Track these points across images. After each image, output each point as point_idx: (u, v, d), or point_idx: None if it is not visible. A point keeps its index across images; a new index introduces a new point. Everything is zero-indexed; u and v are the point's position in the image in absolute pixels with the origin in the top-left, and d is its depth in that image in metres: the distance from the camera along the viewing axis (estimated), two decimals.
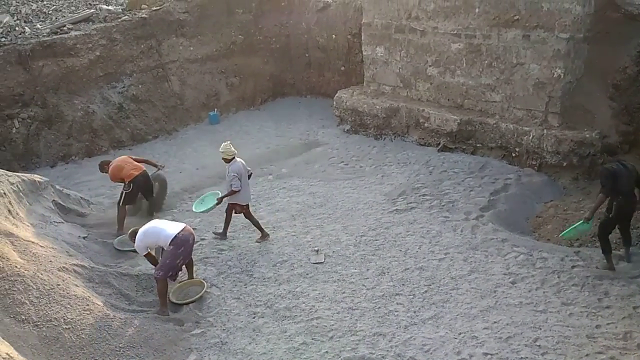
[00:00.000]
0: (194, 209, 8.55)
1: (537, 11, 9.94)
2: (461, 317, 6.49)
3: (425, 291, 7.03)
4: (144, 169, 9.19)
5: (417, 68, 12.11)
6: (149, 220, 8.29)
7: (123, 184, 8.94)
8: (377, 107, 12.52)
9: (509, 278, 7.20)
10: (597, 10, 9.94)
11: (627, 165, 7.08)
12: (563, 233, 7.59)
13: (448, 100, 11.72)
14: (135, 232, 7.09)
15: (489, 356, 5.83)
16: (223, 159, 8.32)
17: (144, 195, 9.24)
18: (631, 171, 7.03)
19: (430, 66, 11.85)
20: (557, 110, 10.11)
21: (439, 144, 11.52)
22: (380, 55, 12.76)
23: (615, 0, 10.26)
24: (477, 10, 10.76)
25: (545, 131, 10.04)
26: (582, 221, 7.28)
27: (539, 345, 5.92)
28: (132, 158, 9.35)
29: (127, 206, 8.96)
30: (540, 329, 6.19)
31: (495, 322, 6.35)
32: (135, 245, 7.03)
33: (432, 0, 11.39)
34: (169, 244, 6.82)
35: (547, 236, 8.45)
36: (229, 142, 8.42)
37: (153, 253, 7.21)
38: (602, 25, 10.01)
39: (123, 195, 8.86)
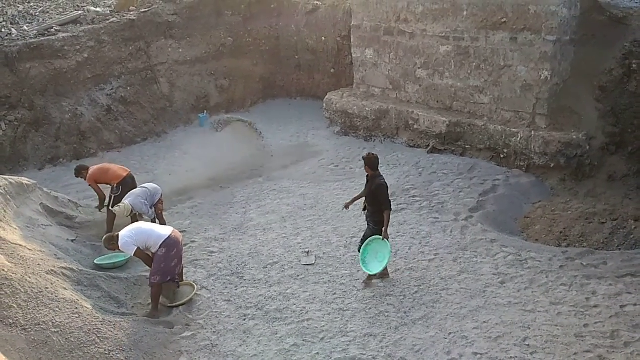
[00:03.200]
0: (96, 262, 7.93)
1: (524, 14, 10.05)
2: (451, 317, 6.53)
3: (416, 292, 7.06)
4: (129, 170, 9.16)
5: (406, 70, 12.18)
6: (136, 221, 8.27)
7: (110, 186, 8.88)
8: (367, 109, 12.57)
9: (498, 278, 7.25)
10: (583, 13, 10.08)
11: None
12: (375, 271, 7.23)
13: (437, 102, 11.80)
14: (111, 238, 6.80)
15: (478, 356, 5.87)
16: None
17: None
18: None
19: (419, 68, 11.92)
20: (545, 112, 10.22)
21: (429, 145, 11.59)
22: (370, 57, 12.82)
23: (601, 3, 10.42)
24: (465, 12, 10.85)
25: (532, 132, 10.14)
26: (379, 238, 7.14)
27: (528, 345, 5.97)
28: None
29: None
30: (529, 328, 6.24)
31: (484, 322, 6.39)
32: (121, 244, 6.69)
33: (420, 3, 11.47)
34: (160, 246, 6.75)
35: (535, 236, 8.53)
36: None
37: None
38: (588, 27, 10.15)
39: (112, 199, 8.81)
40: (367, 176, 7.24)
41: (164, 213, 8.91)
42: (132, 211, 8.20)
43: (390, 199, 7.11)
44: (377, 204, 7.06)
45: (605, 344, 5.91)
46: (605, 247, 8.01)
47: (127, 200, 8.22)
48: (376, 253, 7.20)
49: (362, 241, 7.35)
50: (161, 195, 8.71)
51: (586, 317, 6.38)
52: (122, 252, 7.02)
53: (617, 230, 8.26)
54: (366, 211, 7.36)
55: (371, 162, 7.10)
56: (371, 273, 7.20)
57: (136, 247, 6.72)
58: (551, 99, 10.19)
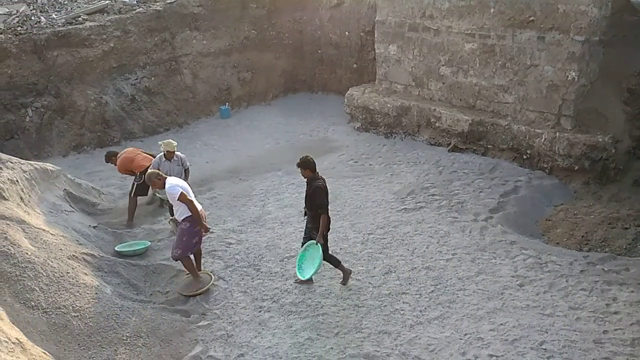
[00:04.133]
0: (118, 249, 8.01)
1: (552, 13, 9.86)
2: (467, 318, 6.47)
3: (432, 291, 7.02)
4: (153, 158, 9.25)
5: (429, 67, 12.06)
6: (160, 210, 8.41)
7: (133, 175, 9.01)
8: (389, 105, 12.49)
9: (517, 280, 7.17)
10: (613, 13, 9.83)
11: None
12: (308, 276, 7.15)
13: (460, 100, 11.67)
14: (158, 174, 6.95)
15: (494, 358, 5.81)
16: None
17: None
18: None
19: (443, 65, 11.80)
20: (570, 114, 10.04)
21: (450, 144, 11.48)
22: (393, 53, 12.72)
23: (633, 3, 10.14)
24: (492, 10, 10.69)
25: (557, 134, 9.97)
26: (314, 243, 7.03)
27: (545, 349, 5.90)
28: (140, 150, 9.43)
29: (137, 197, 9.02)
30: (547, 332, 6.16)
31: (501, 324, 6.33)
32: (168, 186, 6.80)
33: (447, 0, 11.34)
34: (185, 219, 6.86)
35: (556, 240, 8.40)
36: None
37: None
38: (618, 28, 9.90)
39: (134, 187, 8.93)
40: (307, 180, 6.98)
41: None
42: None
43: (327, 202, 6.82)
44: (315, 208, 6.88)
45: (625, 351, 5.81)
46: (627, 253, 7.84)
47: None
48: (313, 258, 7.12)
49: (302, 245, 7.27)
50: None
51: (606, 323, 6.28)
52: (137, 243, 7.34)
53: None
54: (306, 215, 7.22)
55: (308, 164, 6.82)
56: (302, 278, 7.14)
57: (181, 191, 6.80)
58: (577, 100, 10.00)
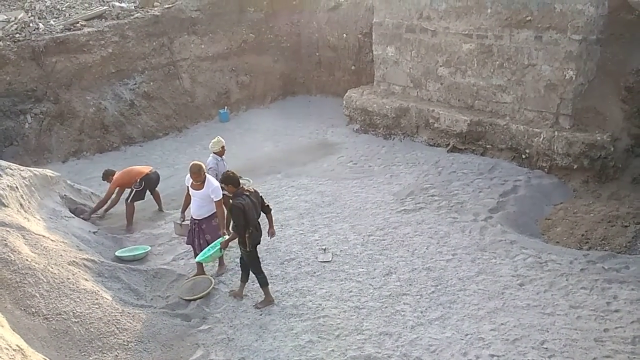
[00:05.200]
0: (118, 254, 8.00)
1: (549, 12, 9.87)
2: (468, 318, 6.47)
3: (433, 292, 7.02)
4: (153, 169, 9.30)
5: (427, 68, 12.08)
6: (160, 215, 8.47)
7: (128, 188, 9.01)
8: (387, 106, 12.50)
9: (517, 280, 7.17)
10: (610, 12, 9.85)
11: (252, 198, 6.68)
12: (198, 258, 7.16)
13: (458, 100, 11.68)
14: (201, 168, 7.10)
15: (495, 358, 5.81)
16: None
17: (150, 190, 9.29)
18: (255, 202, 6.70)
19: (441, 66, 11.81)
20: (569, 112, 10.04)
21: (449, 144, 11.49)
22: (391, 54, 12.74)
23: (630, 2, 10.15)
24: (489, 10, 10.71)
25: (556, 133, 9.98)
26: (217, 247, 6.97)
27: (546, 348, 5.90)
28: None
29: (135, 202, 9.03)
30: (548, 331, 6.16)
31: (502, 324, 6.33)
32: (214, 188, 7.07)
33: (443, 0, 11.35)
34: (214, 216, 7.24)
35: (556, 239, 8.39)
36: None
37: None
38: (615, 27, 9.92)
39: (133, 192, 8.94)
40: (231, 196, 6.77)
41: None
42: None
43: (243, 223, 6.51)
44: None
45: (626, 349, 5.81)
46: (627, 251, 7.84)
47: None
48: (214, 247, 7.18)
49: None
50: None
51: (606, 321, 6.27)
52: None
53: None
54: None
55: (229, 180, 6.60)
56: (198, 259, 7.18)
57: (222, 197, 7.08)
58: (576, 99, 10.01)
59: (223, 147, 8.43)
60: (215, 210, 7.19)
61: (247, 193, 6.64)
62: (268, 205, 6.98)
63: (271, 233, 7.09)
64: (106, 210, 9.22)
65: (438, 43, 11.70)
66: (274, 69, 15.86)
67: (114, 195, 9.12)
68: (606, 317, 6.33)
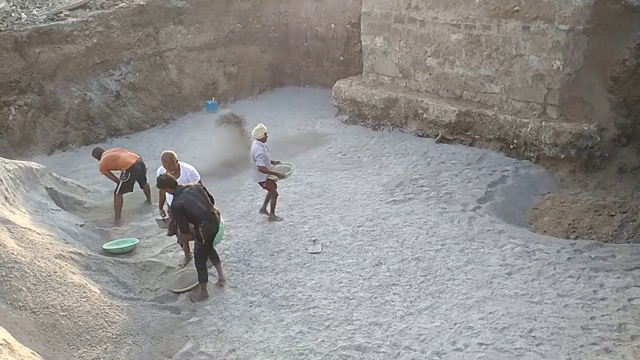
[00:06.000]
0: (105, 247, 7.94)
1: (537, 2, 9.89)
2: (457, 308, 6.52)
3: (422, 282, 7.06)
4: (140, 157, 9.19)
5: (416, 58, 12.07)
6: (148, 207, 8.37)
7: (120, 172, 8.92)
8: (376, 97, 12.49)
9: (505, 269, 7.23)
10: (597, 2, 9.89)
11: (193, 193, 6.60)
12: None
13: (447, 91, 11.69)
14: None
15: (484, 346, 5.87)
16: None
17: (139, 182, 9.22)
18: (198, 194, 6.66)
19: (429, 57, 11.80)
20: (556, 102, 10.10)
21: (437, 135, 11.52)
22: (379, 45, 12.71)
23: None
24: (477, 0, 10.70)
25: (543, 123, 10.04)
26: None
27: (534, 336, 5.97)
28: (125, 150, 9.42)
29: (123, 194, 8.94)
30: (536, 319, 6.23)
31: (490, 313, 6.39)
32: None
33: None
34: None
35: (543, 228, 8.48)
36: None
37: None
38: (602, 17, 9.97)
39: (120, 184, 8.85)
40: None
41: None
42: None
43: (186, 221, 6.49)
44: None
45: (612, 336, 5.89)
46: (614, 240, 7.94)
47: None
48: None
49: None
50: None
51: (593, 309, 6.36)
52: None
53: (627, 223, 8.18)
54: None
55: (164, 183, 6.60)
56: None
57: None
58: (563, 89, 10.07)
59: (266, 133, 8.54)
60: None
61: (187, 189, 6.59)
62: (212, 197, 6.97)
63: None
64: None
65: (426, 33, 11.68)
66: (262, 60, 15.74)
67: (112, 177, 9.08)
68: (593, 305, 6.42)
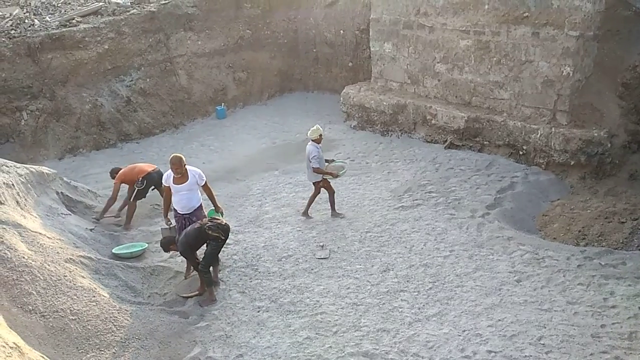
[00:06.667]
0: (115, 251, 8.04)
1: (547, 8, 9.87)
2: (465, 315, 6.48)
3: (430, 288, 7.03)
4: (156, 167, 9.22)
5: (425, 64, 12.07)
6: (156, 212, 8.39)
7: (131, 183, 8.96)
8: (384, 103, 12.49)
9: (514, 276, 7.18)
10: (607, 8, 9.85)
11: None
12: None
13: (456, 97, 11.67)
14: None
15: (492, 354, 5.82)
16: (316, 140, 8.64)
17: (157, 188, 9.22)
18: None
19: (438, 63, 11.80)
20: (566, 109, 10.05)
21: (446, 141, 11.49)
22: (388, 51, 12.72)
23: None
24: (486, 6, 10.70)
25: (553, 129, 9.98)
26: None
27: (543, 344, 5.91)
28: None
29: (137, 201, 8.99)
30: (545, 327, 6.17)
31: (499, 320, 6.34)
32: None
33: None
34: None
35: (553, 235, 8.41)
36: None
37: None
38: (612, 23, 9.92)
39: (135, 191, 8.89)
40: None
41: None
42: None
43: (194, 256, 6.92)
44: None
45: (623, 345, 5.83)
46: (624, 247, 7.86)
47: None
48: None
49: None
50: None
51: (603, 317, 6.29)
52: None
53: (637, 230, 8.10)
54: None
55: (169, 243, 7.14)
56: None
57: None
58: (573, 95, 10.01)
59: (321, 135, 8.71)
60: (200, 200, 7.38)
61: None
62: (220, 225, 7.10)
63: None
64: (120, 209, 9.14)
65: (435, 39, 11.68)
66: (271, 66, 15.81)
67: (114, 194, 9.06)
68: (603, 313, 6.35)
